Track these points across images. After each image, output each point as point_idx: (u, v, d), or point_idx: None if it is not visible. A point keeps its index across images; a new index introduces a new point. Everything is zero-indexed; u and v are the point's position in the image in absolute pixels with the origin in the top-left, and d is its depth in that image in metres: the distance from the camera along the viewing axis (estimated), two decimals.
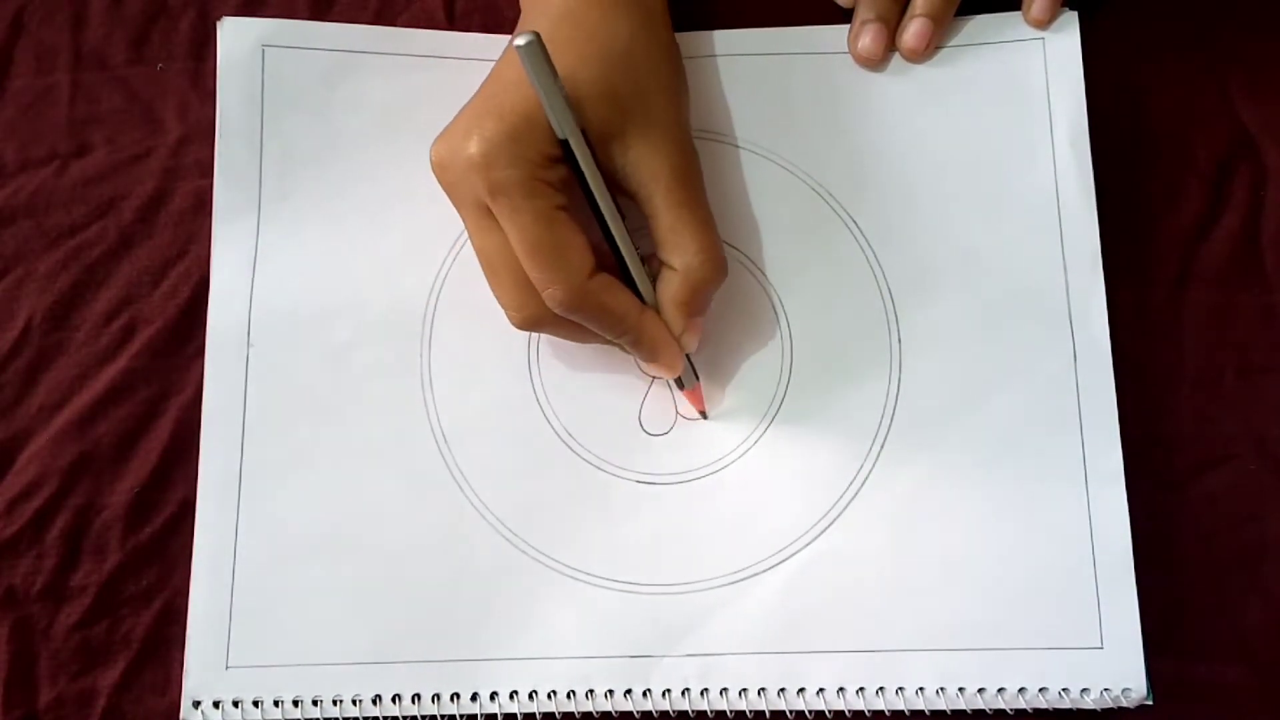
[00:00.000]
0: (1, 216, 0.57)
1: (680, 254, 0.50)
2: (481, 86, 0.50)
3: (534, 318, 0.50)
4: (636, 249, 0.50)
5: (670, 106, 0.51)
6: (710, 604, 0.53)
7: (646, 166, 0.50)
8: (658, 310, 0.51)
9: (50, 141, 0.58)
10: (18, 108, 0.58)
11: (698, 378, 0.54)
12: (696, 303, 0.51)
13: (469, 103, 0.50)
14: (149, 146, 0.58)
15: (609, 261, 0.50)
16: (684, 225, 0.50)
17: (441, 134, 0.49)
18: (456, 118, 0.49)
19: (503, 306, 0.50)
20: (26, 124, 0.58)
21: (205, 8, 0.59)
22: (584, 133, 0.47)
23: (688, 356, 0.53)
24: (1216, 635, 0.53)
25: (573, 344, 0.53)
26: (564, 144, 0.47)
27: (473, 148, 0.47)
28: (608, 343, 0.52)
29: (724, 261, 0.51)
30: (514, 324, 0.51)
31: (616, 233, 0.49)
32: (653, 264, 0.51)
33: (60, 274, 0.56)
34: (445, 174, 0.49)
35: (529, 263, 0.48)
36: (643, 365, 0.54)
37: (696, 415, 0.55)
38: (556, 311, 0.49)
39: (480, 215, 0.49)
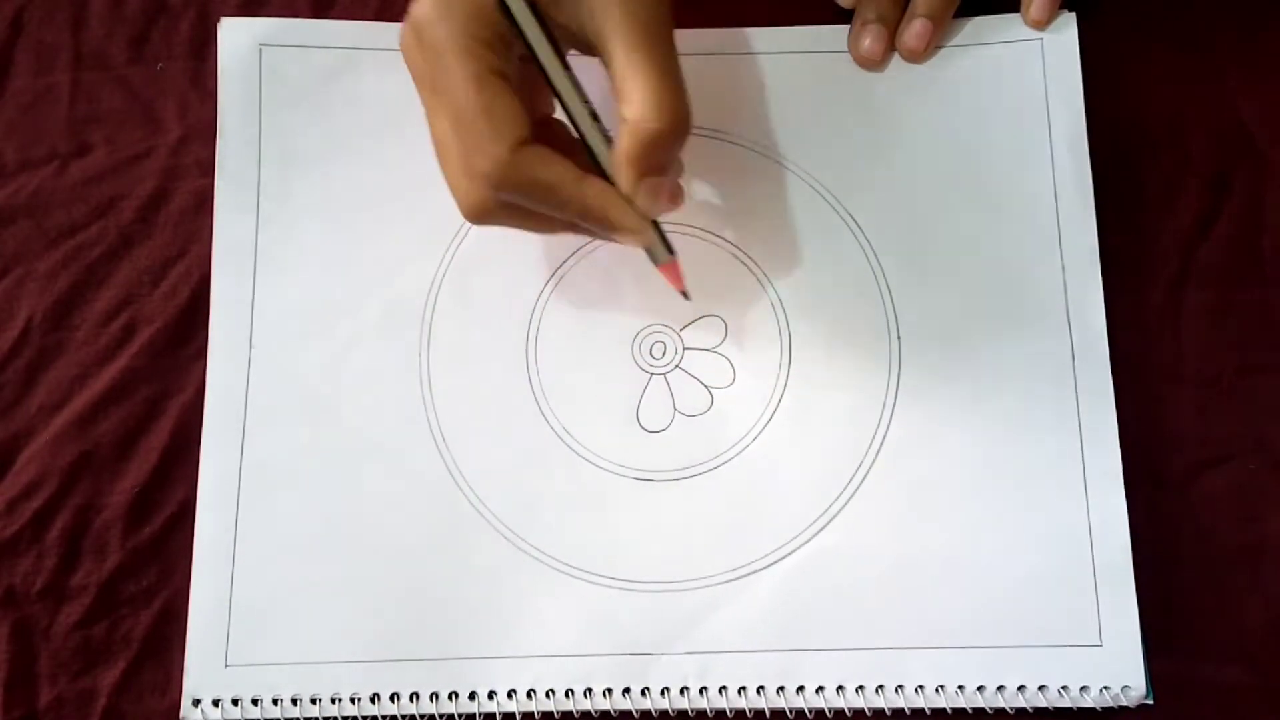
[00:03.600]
0: (1, 216, 0.57)
1: (629, 101, 0.45)
2: None
3: (478, 205, 0.46)
4: (586, 113, 0.47)
5: None
6: (709, 601, 0.53)
7: (602, 13, 0.45)
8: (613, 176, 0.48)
9: (50, 141, 0.58)
10: (18, 108, 0.59)
11: (671, 251, 0.51)
12: (649, 159, 0.46)
13: None
14: (149, 146, 0.58)
15: (570, 142, 0.48)
16: (636, 69, 0.45)
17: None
18: None
19: (452, 196, 0.47)
20: (26, 124, 0.58)
21: (205, 8, 0.60)
22: None
23: (659, 230, 0.50)
24: (1216, 635, 0.53)
25: (570, 339, 0.53)
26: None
27: (414, 11, 0.45)
28: (568, 228, 0.49)
29: (683, 113, 0.46)
30: (463, 215, 0.47)
31: (560, 87, 0.46)
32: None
33: (60, 274, 0.57)
34: (407, 54, 0.47)
35: (454, 134, 0.45)
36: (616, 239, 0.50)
37: (696, 412, 0.55)
38: (486, 192, 0.45)
39: (433, 95, 0.46)
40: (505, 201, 0.46)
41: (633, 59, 0.45)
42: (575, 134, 0.48)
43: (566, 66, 0.47)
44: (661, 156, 0.47)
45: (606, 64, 0.46)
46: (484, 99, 0.44)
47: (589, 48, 0.47)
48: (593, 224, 0.48)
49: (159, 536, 0.54)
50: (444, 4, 0.45)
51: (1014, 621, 0.52)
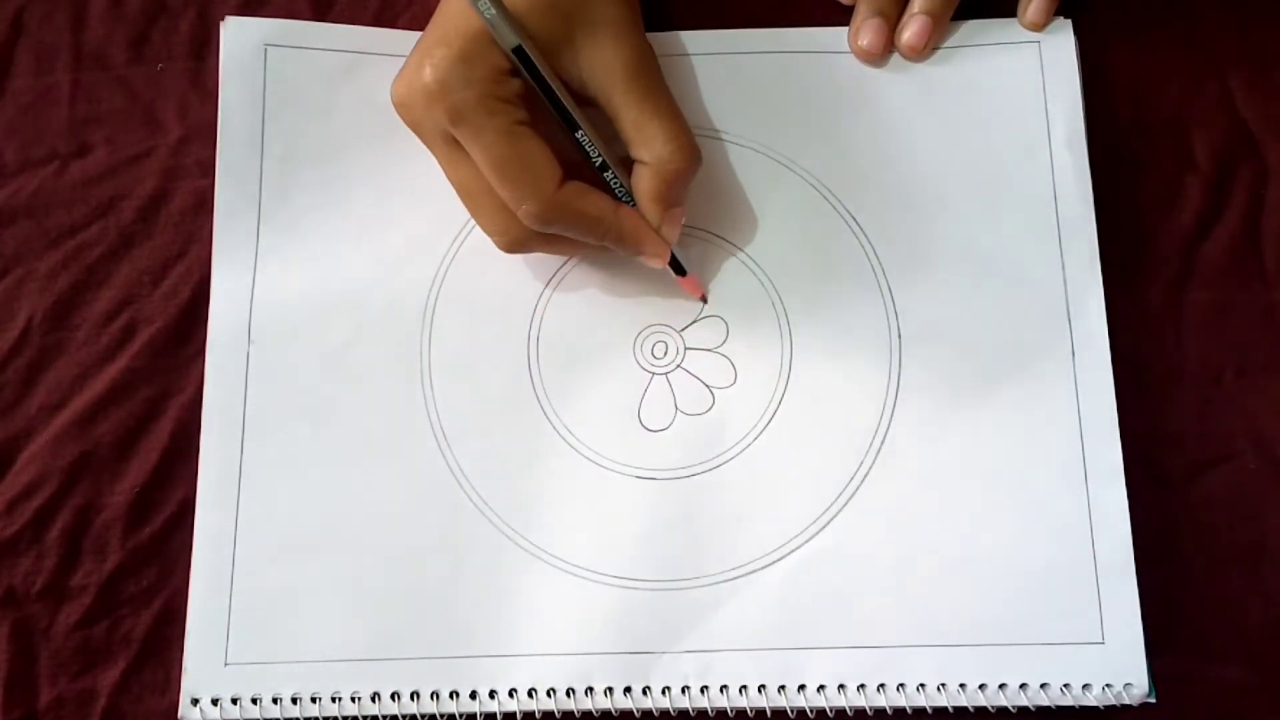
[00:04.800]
0: (1, 216, 0.57)
1: (649, 147, 0.51)
2: (430, 23, 0.51)
3: (518, 239, 0.51)
4: (606, 155, 0.51)
5: (615, 5, 0.51)
6: (710, 600, 0.52)
7: (601, 68, 0.50)
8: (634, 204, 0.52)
9: (50, 141, 0.58)
10: (18, 108, 0.58)
11: (685, 270, 0.55)
12: (672, 194, 0.52)
13: (419, 40, 0.50)
14: (149, 146, 0.58)
15: (582, 171, 0.51)
16: (648, 118, 0.50)
17: (398, 74, 0.50)
18: (409, 56, 0.50)
19: (486, 233, 0.52)
20: (26, 124, 0.58)
21: (205, 7, 0.60)
22: (532, 43, 0.48)
23: (674, 252, 0.54)
24: (1217, 634, 0.53)
25: (571, 339, 0.54)
26: (516, 53, 0.48)
27: (427, 77, 0.48)
28: (594, 249, 0.53)
29: (695, 149, 0.51)
30: (500, 248, 0.52)
31: (580, 132, 0.50)
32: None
33: (60, 274, 0.57)
34: (408, 111, 0.50)
35: (497, 181, 0.49)
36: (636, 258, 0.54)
37: (697, 411, 0.55)
38: (533, 227, 0.50)
39: (449, 147, 0.50)
40: (542, 233, 0.51)
41: (645, 108, 0.50)
42: (593, 172, 0.52)
43: (573, 111, 0.50)
44: (682, 190, 0.52)
45: (612, 114, 0.51)
46: (521, 148, 0.49)
47: (591, 100, 0.51)
48: (624, 247, 0.52)
49: (159, 536, 0.54)
50: (464, 72, 0.48)
51: (1015, 619, 0.52)
